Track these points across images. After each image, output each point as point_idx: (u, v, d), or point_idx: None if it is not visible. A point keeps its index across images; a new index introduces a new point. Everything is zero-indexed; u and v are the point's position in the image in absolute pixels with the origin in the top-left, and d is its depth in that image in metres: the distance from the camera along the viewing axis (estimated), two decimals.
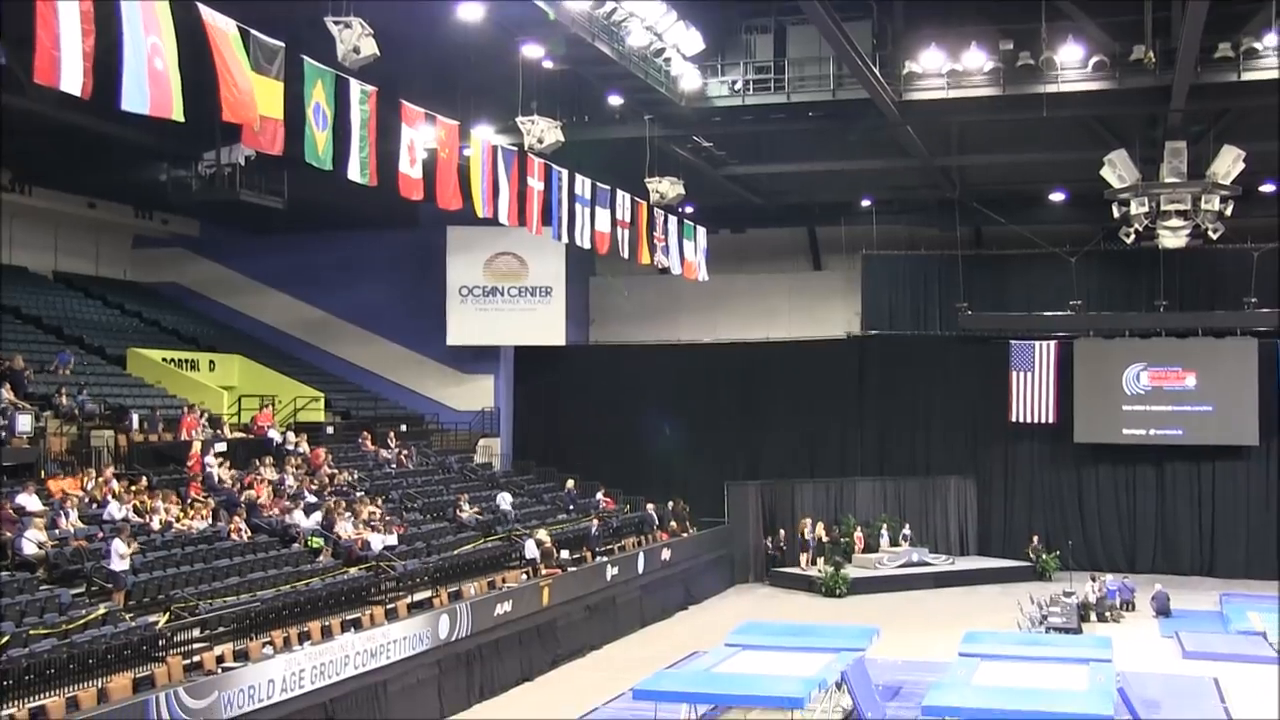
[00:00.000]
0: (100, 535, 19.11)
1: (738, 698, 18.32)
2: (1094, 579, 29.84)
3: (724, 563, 34.31)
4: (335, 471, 27.10)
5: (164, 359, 29.52)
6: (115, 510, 20.25)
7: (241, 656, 17.36)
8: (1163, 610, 28.76)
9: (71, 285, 32.99)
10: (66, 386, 24.24)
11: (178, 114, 11.82)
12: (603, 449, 37.12)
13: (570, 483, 32.93)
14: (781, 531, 34.95)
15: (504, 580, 24.70)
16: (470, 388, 36.45)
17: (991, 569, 34.58)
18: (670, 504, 34.13)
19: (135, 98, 11.54)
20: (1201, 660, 23.98)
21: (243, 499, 23.04)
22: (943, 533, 36.46)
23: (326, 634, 19.04)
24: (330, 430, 30.98)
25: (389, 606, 21.21)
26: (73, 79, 10.69)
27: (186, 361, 30.29)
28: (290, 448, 27.41)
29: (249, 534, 21.97)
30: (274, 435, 27.54)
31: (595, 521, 28.62)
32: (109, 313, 32.61)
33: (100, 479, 21.38)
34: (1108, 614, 28.60)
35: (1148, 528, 35.50)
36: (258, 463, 25.45)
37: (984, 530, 36.67)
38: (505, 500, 28.00)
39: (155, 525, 20.64)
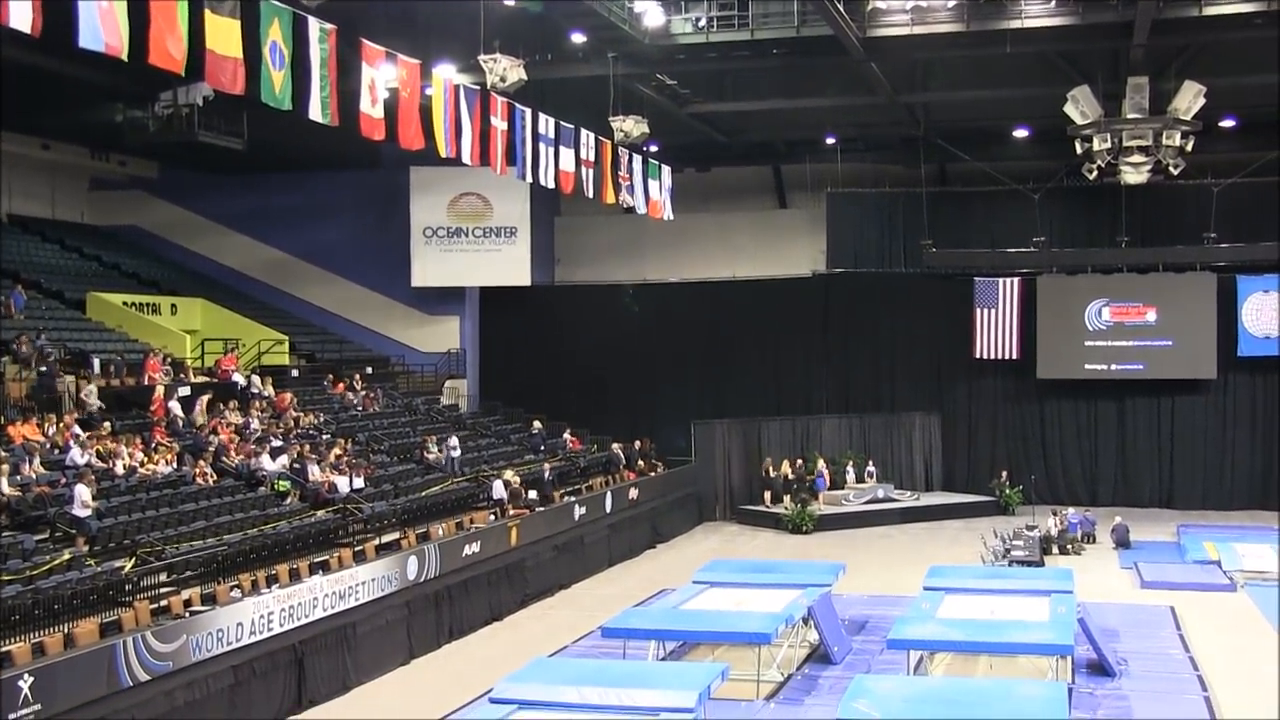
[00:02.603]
0: (63, 481, 18.96)
1: (705, 634, 18.46)
2: (1055, 513, 30.14)
3: (691, 501, 34.46)
4: (301, 414, 26.99)
5: (125, 303, 29.18)
6: (78, 456, 20.09)
7: (209, 600, 17.33)
8: (1122, 542, 29.11)
9: (27, 229, 32.48)
10: (27, 332, 23.94)
11: (126, 53, 11.58)
12: (569, 389, 37.12)
13: (537, 423, 32.94)
14: (768, 459, 35.02)
15: (472, 521, 24.73)
16: (436, 329, 36.29)
17: (956, 504, 34.86)
18: (637, 443, 34.22)
19: (90, 35, 11.29)
20: (1159, 590, 24.33)
21: (212, 443, 22.91)
22: (908, 469, 36.71)
23: (294, 577, 19.03)
24: (295, 373, 30.82)
25: (357, 549, 21.22)
26: (21, 15, 10.43)
27: (148, 305, 29.94)
28: (255, 391, 27.25)
29: (214, 478, 21.86)
30: (238, 379, 27.35)
31: (547, 467, 28.58)
32: (67, 256, 32.17)
33: (61, 424, 21.19)
34: (1069, 547, 28.91)
35: (1109, 462, 35.86)
36: (222, 406, 25.30)
37: (948, 466, 36.94)
38: (456, 445, 27.87)
39: (119, 470, 20.50)
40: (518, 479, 26.74)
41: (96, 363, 24.44)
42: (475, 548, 22.85)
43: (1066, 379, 35.56)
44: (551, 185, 22.21)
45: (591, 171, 23.40)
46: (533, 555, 24.86)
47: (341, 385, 30.56)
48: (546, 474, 28.27)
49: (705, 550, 29.86)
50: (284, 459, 23.31)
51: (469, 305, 36.80)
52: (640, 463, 33.59)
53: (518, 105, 20.64)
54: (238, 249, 36.25)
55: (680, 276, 38.13)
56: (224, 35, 13.26)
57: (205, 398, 25.09)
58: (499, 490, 25.97)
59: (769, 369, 37.56)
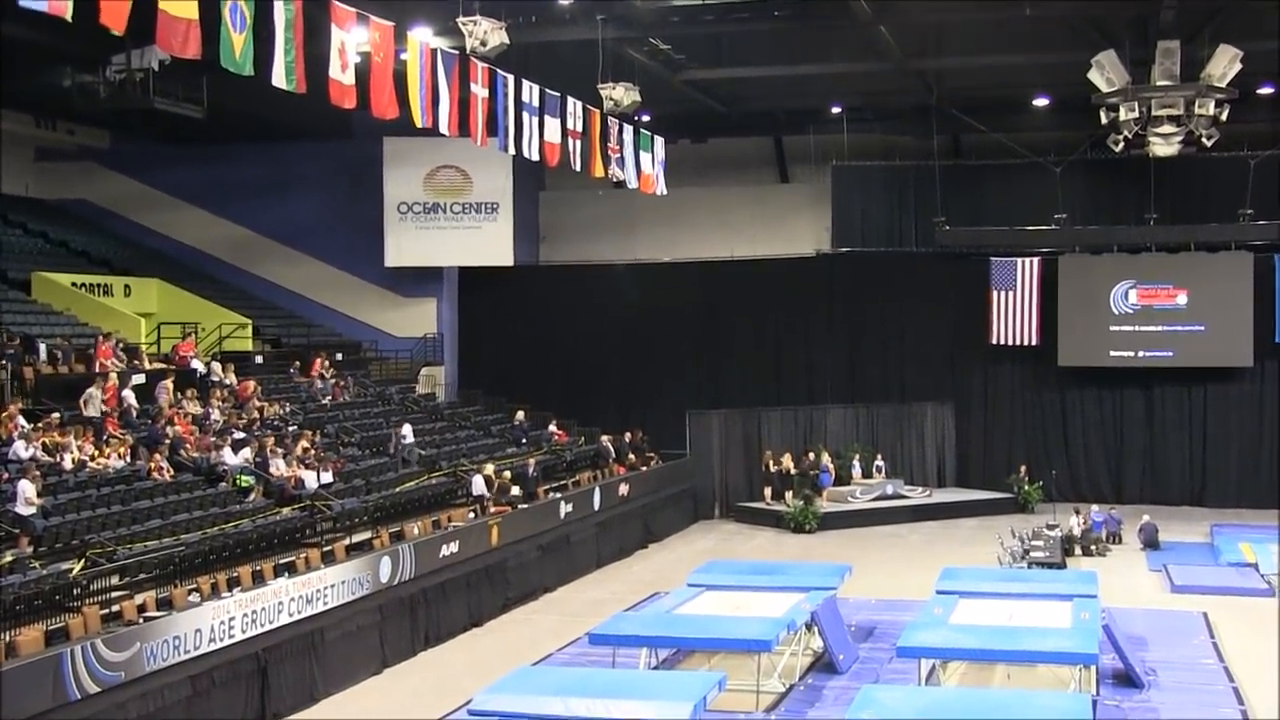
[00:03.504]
0: (5, 477, 18.84)
1: (701, 641, 18.43)
2: (1078, 511, 30.14)
3: (686, 498, 34.45)
4: (265, 404, 26.89)
5: (74, 284, 29.03)
6: (21, 449, 19.96)
7: (165, 605, 17.23)
8: (1150, 542, 29.12)
9: None
10: None
11: (70, 12, 11.47)
12: (554, 377, 37.11)
13: (520, 414, 32.86)
14: (768, 453, 35.00)
15: (449, 519, 24.64)
16: (411, 312, 36.21)
17: (971, 501, 34.89)
18: (627, 435, 34.18)
19: None
20: (1191, 594, 24.34)
21: (168, 435, 22.81)
22: (919, 463, 36.70)
23: (258, 579, 18.95)
24: (259, 359, 30.71)
25: (325, 549, 21.13)
26: None
27: (99, 286, 29.80)
28: (216, 379, 27.15)
29: (171, 473, 21.76)
30: (197, 365, 27.24)
31: (531, 462, 28.52)
32: (10, 233, 31.98)
33: (4, 414, 21.06)
34: (1093, 547, 28.93)
35: (1135, 456, 35.87)
36: (180, 396, 25.20)
37: (962, 460, 36.95)
38: (408, 432, 27.75)
39: (67, 464, 20.39)
40: (499, 474, 26.65)
41: (43, 348, 24.30)
42: (453, 548, 22.80)
43: (1090, 367, 35.55)
44: (536, 158, 22.12)
45: (579, 143, 23.32)
46: (515, 556, 24.82)
47: (315, 371, 30.45)
48: (530, 468, 28.19)
49: (701, 550, 29.87)
50: (246, 452, 23.19)
51: (447, 286, 36.71)
52: (631, 456, 33.53)
53: (499, 71, 20.54)
54: (196, 225, 36.09)
55: (674, 256, 38.04)
56: None
57: (168, 383, 24.99)
58: (479, 486, 25.89)
59: (769, 356, 37.52)
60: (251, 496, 22.01)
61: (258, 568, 19.43)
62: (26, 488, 17.99)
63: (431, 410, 32.76)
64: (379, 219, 34.84)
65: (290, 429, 25.89)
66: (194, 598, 17.63)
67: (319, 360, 30.82)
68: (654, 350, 37.44)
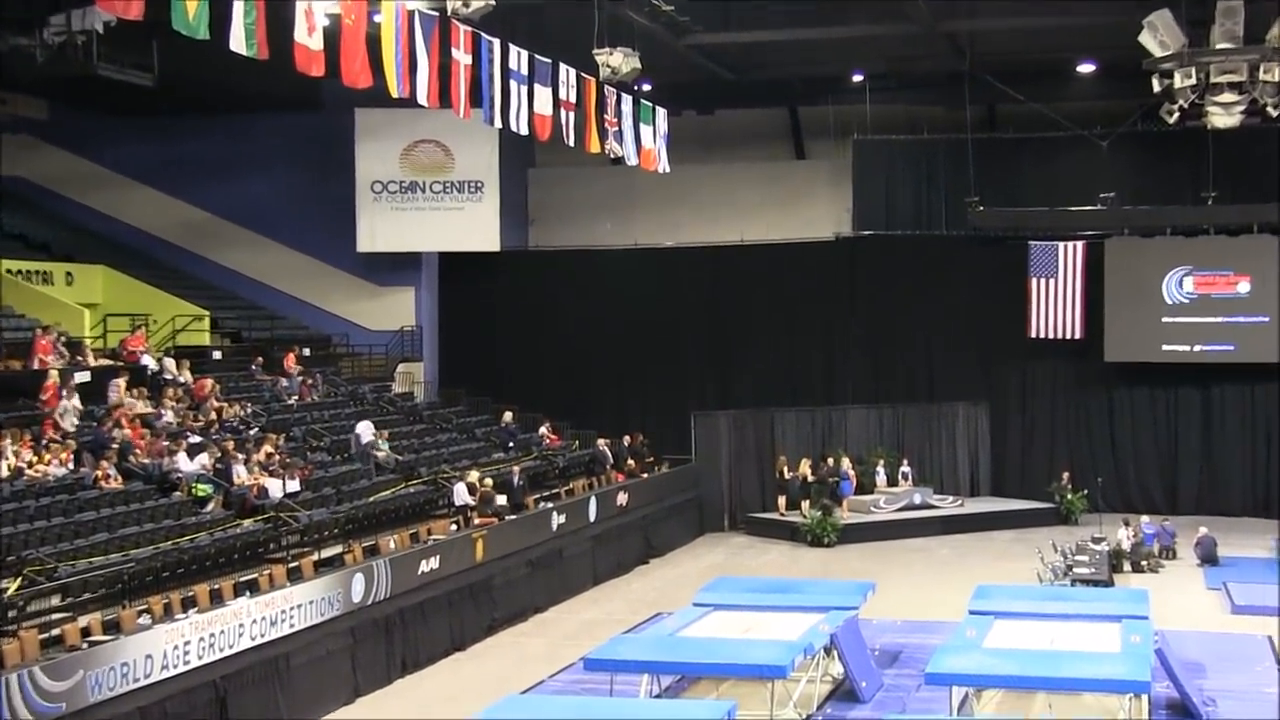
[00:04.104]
0: None
1: (709, 666, 18.39)
2: (1127, 522, 30.13)
3: (691, 508, 34.46)
4: (224, 404, 26.89)
5: (9, 271, 28.96)
6: None
7: (112, 628, 17.20)
8: (1209, 558, 29.08)
9: None
10: None
11: None
12: (546, 374, 37.09)
13: (508, 415, 32.85)
14: (782, 458, 34.99)
15: (429, 532, 24.68)
16: (386, 303, 36.18)
17: (1007, 512, 34.93)
18: (627, 439, 34.17)
19: None
20: (1253, 615, 24.27)
21: (116, 440, 22.78)
22: (949, 469, 36.74)
23: (216, 599, 18.95)
24: (218, 355, 30.73)
25: (292, 565, 21.16)
26: None
27: (37, 273, 29.75)
28: (169, 377, 27.12)
29: (119, 481, 21.73)
30: (148, 362, 27.21)
31: (517, 468, 28.49)
32: None
33: None
34: (1144, 563, 28.91)
35: (1191, 461, 35.85)
36: (130, 395, 25.18)
37: (998, 466, 36.96)
38: (366, 430, 27.72)
39: (3, 472, 20.35)
40: (485, 481, 26.64)
41: None
42: (433, 563, 22.79)
43: (1140, 363, 35.52)
44: (524, 131, 22.08)
45: (572, 115, 23.27)
46: (502, 572, 24.82)
47: (289, 367, 30.49)
48: (516, 477, 28.17)
49: (708, 566, 29.88)
50: (203, 458, 23.21)
51: (426, 274, 36.71)
52: (631, 462, 33.52)
53: (484, 35, 20.47)
54: (146, 206, 36.01)
55: (678, 240, 38.01)
56: None
57: (120, 381, 24.95)
58: (462, 495, 25.89)
59: (784, 351, 37.49)
60: (209, 507, 21.98)
61: (216, 586, 19.42)
62: None
63: (409, 411, 32.75)
64: (350, 199, 34.77)
65: (252, 432, 25.90)
66: (144, 620, 17.58)
67: (290, 356, 30.77)
68: (655, 345, 37.40)
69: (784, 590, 22.71)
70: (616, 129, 24.74)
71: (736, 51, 33.00)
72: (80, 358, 25.95)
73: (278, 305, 35.81)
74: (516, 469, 28.70)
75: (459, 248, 35.97)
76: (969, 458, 36.91)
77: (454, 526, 25.24)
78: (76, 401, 23.97)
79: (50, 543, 18.69)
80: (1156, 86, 27.32)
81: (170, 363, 27.76)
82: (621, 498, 31.01)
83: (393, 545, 23.30)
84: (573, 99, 23.14)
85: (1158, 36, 26.34)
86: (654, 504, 32.48)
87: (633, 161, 25.73)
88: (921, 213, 36.38)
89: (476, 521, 25.44)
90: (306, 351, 32.83)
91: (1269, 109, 26.83)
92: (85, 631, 16.96)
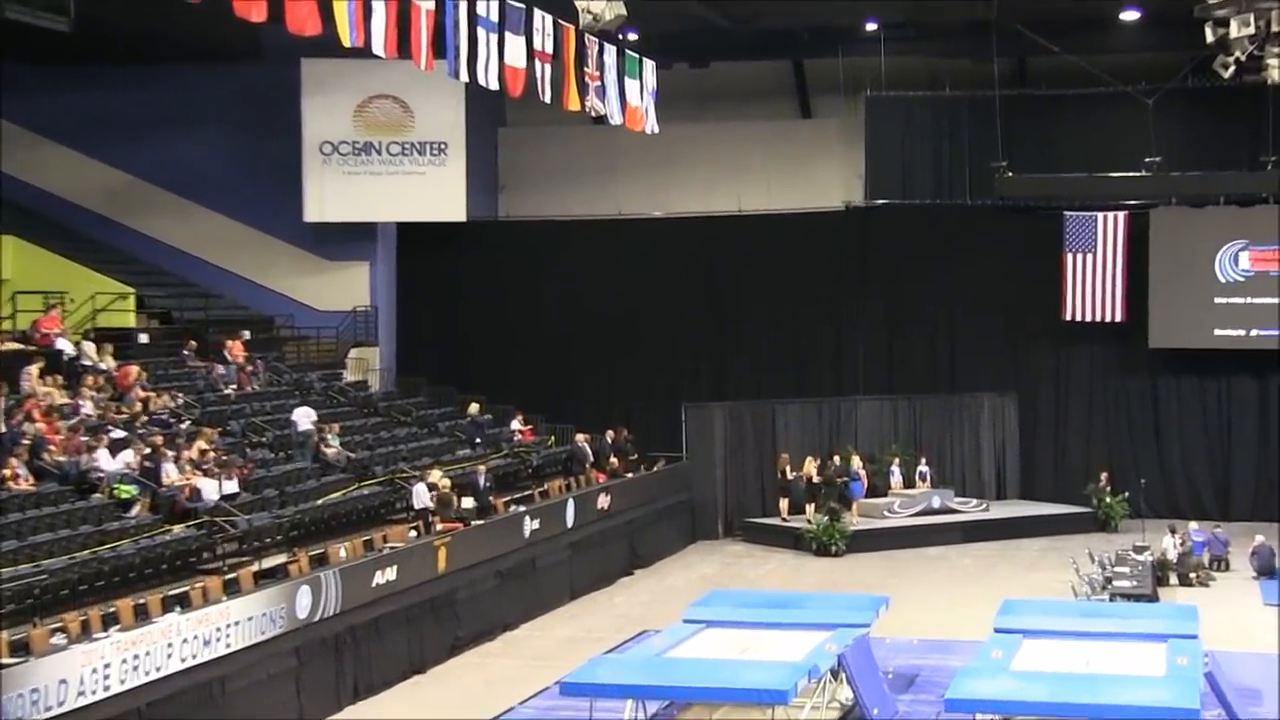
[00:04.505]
0: None
1: (701, 691, 18.37)
2: (1174, 529, 30.18)
3: (682, 512, 34.51)
4: (152, 394, 26.79)
5: None
6: None
7: (21, 650, 17.04)
8: (1265, 569, 29.13)
9: None
10: None
11: None
12: (518, 362, 37.18)
13: (475, 407, 32.79)
14: (784, 456, 35.00)
15: (385, 539, 24.56)
16: (337, 280, 36.08)
17: (1038, 517, 35.07)
18: (609, 434, 34.11)
19: None
20: None
21: (26, 434, 22.71)
22: (973, 469, 36.85)
23: (142, 615, 18.80)
24: (144, 338, 30.62)
25: (228, 577, 21.03)
26: None
27: None
28: (88, 363, 27.02)
29: (31, 482, 21.63)
30: (65, 346, 27.12)
31: (483, 469, 28.43)
32: None
33: None
34: (1192, 575, 28.94)
35: (1246, 460, 35.97)
36: (43, 383, 25.09)
37: (1028, 465, 37.09)
38: (304, 417, 27.66)
39: None
40: (448, 482, 26.62)
41: None
42: (390, 575, 22.69)
43: (1189, 349, 35.62)
44: (495, 87, 21.96)
45: (548, 67, 23.17)
46: (467, 585, 24.79)
47: (235, 355, 30.39)
48: (484, 477, 28.13)
49: (700, 578, 29.96)
50: (128, 455, 23.09)
51: (382, 247, 36.66)
52: (613, 460, 33.47)
53: None
54: (62, 168, 35.83)
55: (667, 210, 38.02)
56: None
57: (33, 368, 24.86)
58: (422, 497, 25.86)
59: (787, 335, 37.60)
60: (134, 511, 21.88)
61: (141, 601, 19.26)
62: None
63: (363, 402, 32.71)
64: (296, 162, 34.69)
65: (184, 426, 25.80)
66: (59, 639, 17.45)
67: (237, 343, 30.59)
68: (642, 328, 37.47)
69: (786, 605, 22.72)
70: (598, 83, 24.67)
71: None
72: None
73: (212, 282, 35.67)
74: (484, 468, 28.66)
75: (420, 218, 35.85)
76: (995, 455, 37.01)
77: (413, 533, 25.19)
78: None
79: None
80: (1210, 36, 27.35)
81: (90, 347, 27.63)
82: (603, 500, 31.00)
83: (343, 554, 23.18)
84: (549, 49, 23.05)
85: None
86: (640, 507, 32.50)
87: (616, 121, 25.64)
88: (942, 179, 36.38)
89: (439, 527, 25.39)
90: (246, 334, 32.72)
91: None
92: None
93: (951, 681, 18.03)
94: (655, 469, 34.59)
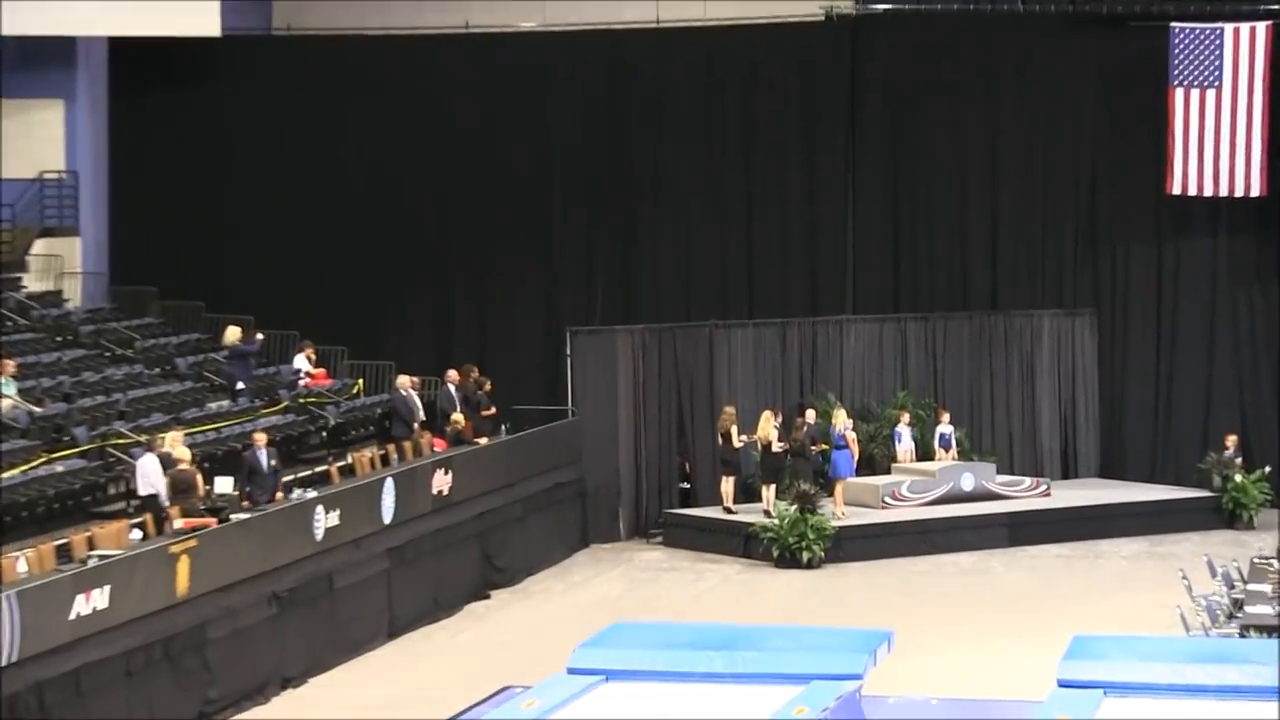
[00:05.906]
0: None
1: None
2: None
3: (566, 499, 34.70)
4: None
5: None
6: None
7: None
8: None
9: None
10: None
11: None
12: (305, 263, 37.00)
13: (235, 332, 32.55)
14: (728, 410, 34.97)
15: (92, 543, 24.35)
16: (15, 129, 35.73)
17: (1127, 504, 35.38)
18: (451, 377, 34.00)
19: None
20: None
21: None
22: (1026, 431, 37.08)
23: None
24: None
25: None
26: None
27: None
28: None
29: None
30: None
31: (257, 436, 28.26)
32: None
33: None
34: None
35: None
36: None
37: (1112, 426, 37.36)
38: None
39: None
40: (190, 453, 26.43)
41: None
42: (99, 600, 22.45)
43: None
44: None
45: None
46: (224, 617, 24.58)
47: None
48: (259, 447, 27.95)
49: (595, 603, 30.09)
50: None
51: (86, 78, 36.50)
52: (458, 418, 33.34)
53: None
54: None
55: (543, 22, 37.83)
56: None
57: None
58: (151, 477, 25.69)
59: (734, 222, 37.63)
60: None
61: None
62: None
63: (56, 325, 32.65)
64: None
65: None
66: None
67: None
68: (501, 209, 37.36)
69: (731, 645, 22.60)
70: None
71: None
72: None
73: None
74: (258, 434, 28.48)
75: (147, 31, 35.50)
76: (1060, 410, 37.20)
77: (137, 533, 24.96)
78: None
79: None
80: None
81: None
82: (441, 481, 30.87)
83: (23, 567, 22.97)
84: None
85: None
86: (500, 492, 32.49)
87: None
88: None
89: (179, 524, 25.17)
90: None
91: None
92: None
93: None
94: (524, 432, 34.51)
